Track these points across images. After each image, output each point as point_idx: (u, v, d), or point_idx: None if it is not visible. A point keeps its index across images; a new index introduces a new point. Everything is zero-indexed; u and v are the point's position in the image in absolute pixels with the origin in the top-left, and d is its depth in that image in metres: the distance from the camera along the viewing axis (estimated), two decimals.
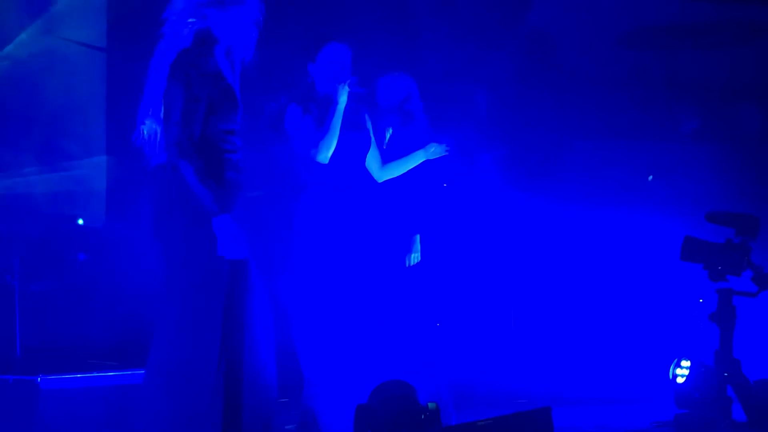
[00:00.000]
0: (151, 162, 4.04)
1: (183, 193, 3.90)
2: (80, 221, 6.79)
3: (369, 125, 5.47)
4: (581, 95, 8.81)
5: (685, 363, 5.59)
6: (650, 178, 8.64)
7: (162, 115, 3.96)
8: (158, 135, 4.01)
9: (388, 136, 5.84)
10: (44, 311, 6.20)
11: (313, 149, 5.18)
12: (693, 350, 5.75)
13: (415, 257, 5.77)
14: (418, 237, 5.79)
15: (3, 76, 6.62)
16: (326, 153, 5.18)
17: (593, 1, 8.24)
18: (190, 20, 3.98)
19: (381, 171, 5.63)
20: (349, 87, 5.19)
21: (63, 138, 6.93)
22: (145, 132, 4.05)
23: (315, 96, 5.29)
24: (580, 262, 8.52)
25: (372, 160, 5.55)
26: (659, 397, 6.44)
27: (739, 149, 9.14)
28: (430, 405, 4.42)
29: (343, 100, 5.19)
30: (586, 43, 8.51)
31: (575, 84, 8.77)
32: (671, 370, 5.66)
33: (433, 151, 5.68)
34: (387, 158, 5.66)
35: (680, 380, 5.60)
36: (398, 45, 7.51)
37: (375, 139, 5.54)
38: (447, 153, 5.72)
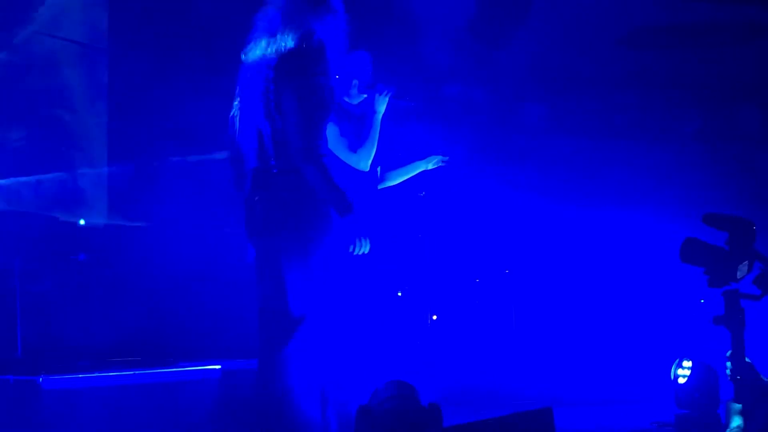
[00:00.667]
0: (249, 163, 4.04)
1: (294, 195, 3.91)
2: (81, 221, 6.79)
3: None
4: (581, 95, 8.81)
5: (687, 363, 5.59)
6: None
7: (280, 120, 3.92)
8: (261, 137, 3.99)
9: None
10: (45, 311, 6.19)
11: (353, 157, 5.13)
12: (694, 350, 5.75)
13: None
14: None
15: (3, 77, 6.62)
16: (367, 162, 5.14)
17: (593, 1, 8.24)
18: (291, 26, 3.97)
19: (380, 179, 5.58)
20: (388, 96, 5.15)
21: (63, 138, 6.93)
22: (245, 134, 4.04)
23: (338, 102, 5.25)
24: (580, 263, 8.52)
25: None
26: (660, 398, 6.44)
27: (739, 149, 9.15)
28: (431, 405, 4.41)
29: (381, 109, 5.14)
30: (586, 43, 8.50)
31: (575, 84, 8.77)
32: (672, 370, 5.66)
33: (434, 163, 5.63)
34: (386, 167, 5.62)
35: (681, 380, 5.60)
36: (398, 45, 7.50)
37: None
38: (444, 164, 5.67)
